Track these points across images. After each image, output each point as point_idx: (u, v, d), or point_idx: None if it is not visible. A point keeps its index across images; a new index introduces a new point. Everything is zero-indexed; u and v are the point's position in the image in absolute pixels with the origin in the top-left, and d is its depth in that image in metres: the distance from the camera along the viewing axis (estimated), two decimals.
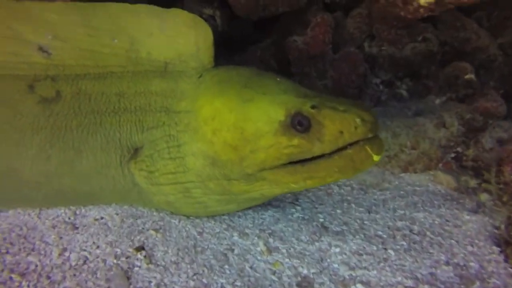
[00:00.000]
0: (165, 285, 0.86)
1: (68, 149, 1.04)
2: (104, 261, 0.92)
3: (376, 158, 0.86)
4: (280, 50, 1.89)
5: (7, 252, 0.97)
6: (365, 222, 1.14)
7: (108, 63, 1.06)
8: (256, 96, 0.92)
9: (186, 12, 1.05)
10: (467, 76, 1.47)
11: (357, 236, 1.06)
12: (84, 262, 0.92)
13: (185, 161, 0.99)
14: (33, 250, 0.98)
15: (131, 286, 0.85)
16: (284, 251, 1.01)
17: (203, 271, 0.91)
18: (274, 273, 0.93)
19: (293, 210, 1.22)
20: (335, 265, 0.96)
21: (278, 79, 0.99)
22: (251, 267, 0.94)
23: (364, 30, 1.86)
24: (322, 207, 1.25)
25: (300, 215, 1.19)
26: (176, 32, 1.03)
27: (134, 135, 1.05)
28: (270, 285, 0.89)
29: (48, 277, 0.87)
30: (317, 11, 1.78)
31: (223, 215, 1.15)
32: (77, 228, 1.08)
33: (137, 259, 0.93)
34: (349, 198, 1.30)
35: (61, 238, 1.03)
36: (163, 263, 0.92)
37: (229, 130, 0.92)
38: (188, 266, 0.92)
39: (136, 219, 1.10)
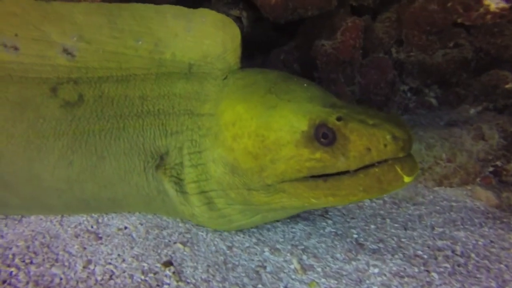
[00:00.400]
0: None
1: (90, 154, 1.00)
2: (131, 276, 0.87)
3: (407, 179, 0.78)
4: (305, 54, 1.83)
5: (31, 263, 0.93)
6: (402, 239, 1.08)
7: (132, 65, 1.02)
8: (279, 103, 0.87)
9: (214, 12, 1.00)
10: (507, 86, 1.39)
11: (396, 256, 0.99)
12: (110, 277, 0.87)
13: (207, 168, 0.94)
14: (56, 261, 0.94)
15: None
16: (319, 270, 0.95)
17: None
18: None
19: (324, 224, 1.16)
20: None
21: (306, 84, 0.93)
22: (285, 287, 0.89)
23: (393, 35, 1.79)
24: (354, 221, 1.19)
25: (332, 230, 1.13)
26: (203, 32, 0.99)
27: (157, 140, 1.00)
28: None
29: None
30: (345, 14, 1.71)
31: (252, 228, 1.09)
32: (100, 238, 1.03)
33: (166, 275, 0.88)
34: (381, 212, 1.24)
35: (84, 248, 0.98)
36: (193, 281, 0.87)
37: (250, 137, 0.87)
38: (220, 285, 0.86)
39: (162, 230, 1.05)
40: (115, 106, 1.01)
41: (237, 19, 1.64)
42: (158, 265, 0.91)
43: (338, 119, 0.80)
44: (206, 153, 0.95)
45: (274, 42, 2.03)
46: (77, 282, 0.86)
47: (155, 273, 0.88)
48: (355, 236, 1.10)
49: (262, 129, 0.85)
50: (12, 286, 0.85)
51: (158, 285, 0.85)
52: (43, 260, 0.94)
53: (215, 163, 0.93)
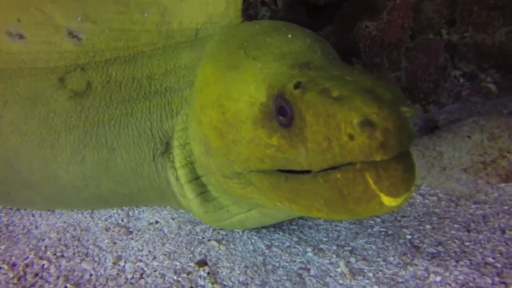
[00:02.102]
0: None
1: (101, 147, 0.93)
2: (163, 276, 0.80)
3: (388, 201, 0.49)
4: (343, 39, 1.69)
5: (62, 256, 0.89)
6: (466, 243, 0.94)
7: (139, 42, 0.94)
8: (243, 62, 0.68)
9: None
10: None
11: (461, 263, 0.86)
12: (141, 276, 0.81)
13: (191, 148, 0.82)
14: (87, 255, 0.89)
15: None
16: (370, 275, 0.83)
17: None
18: None
19: (372, 222, 1.04)
20: None
21: (291, 35, 0.71)
22: None
23: (444, 14, 1.61)
24: (406, 220, 1.05)
25: (382, 229, 1.00)
26: None
27: (164, 122, 0.91)
28: None
29: None
30: None
31: (292, 225, 0.99)
32: (131, 232, 0.97)
33: (200, 276, 0.80)
34: (437, 210, 1.09)
35: (115, 243, 0.93)
36: (230, 284, 0.79)
37: (213, 107, 0.70)
38: None
39: (195, 226, 0.97)
40: (123, 90, 0.94)
41: (273, 2, 1.53)
42: (192, 264, 0.83)
43: (296, 85, 0.56)
44: (189, 129, 0.81)
45: (308, 27, 1.91)
46: (107, 279, 0.81)
47: (188, 273, 0.81)
48: (409, 237, 0.97)
49: (223, 97, 0.68)
50: (44, 280, 0.81)
51: (191, 287, 0.77)
52: (74, 254, 0.89)
53: (194, 140, 0.79)
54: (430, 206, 1.12)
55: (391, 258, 0.88)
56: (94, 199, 1.00)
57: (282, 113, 0.57)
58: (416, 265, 0.86)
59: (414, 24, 1.54)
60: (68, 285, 0.79)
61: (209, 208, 0.84)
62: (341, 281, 0.82)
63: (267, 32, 0.74)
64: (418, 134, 1.55)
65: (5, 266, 0.84)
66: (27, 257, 0.88)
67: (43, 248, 0.91)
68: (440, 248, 0.92)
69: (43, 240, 0.96)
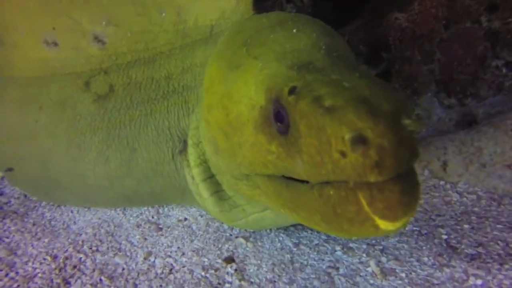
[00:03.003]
0: None
1: (123, 148, 0.95)
2: (191, 272, 0.82)
3: (384, 224, 0.45)
4: (371, 33, 1.64)
5: (97, 250, 0.93)
6: (511, 245, 0.87)
7: (158, 43, 0.96)
8: (245, 61, 0.64)
9: None
10: None
11: (506, 266, 0.80)
12: (170, 271, 0.83)
13: (203, 147, 0.81)
14: (119, 250, 0.92)
15: None
16: (403, 275, 0.80)
17: None
18: None
19: None
20: None
21: (296, 30, 0.66)
22: None
23: (483, 0, 1.51)
24: (441, 219, 1.00)
25: (415, 228, 0.96)
26: None
27: (181, 121, 0.91)
28: None
29: (135, 285, 0.80)
30: None
31: (279, 228, 0.95)
32: (161, 229, 1.00)
33: (228, 273, 0.81)
34: (476, 210, 1.03)
35: (145, 239, 0.96)
36: (257, 281, 0.78)
37: (218, 108, 0.68)
38: (288, 287, 0.76)
39: (222, 223, 0.98)
40: (142, 91, 0.96)
41: None
42: (219, 260, 0.84)
43: (291, 91, 0.52)
44: (200, 128, 0.80)
45: (335, 23, 1.86)
46: (138, 274, 0.83)
47: (216, 270, 0.82)
48: (445, 237, 0.92)
49: (225, 99, 0.65)
50: (81, 272, 0.85)
51: (219, 283, 0.78)
52: (108, 248, 0.93)
53: (204, 140, 0.78)
54: (468, 205, 1.06)
55: (425, 259, 0.84)
56: (119, 198, 1.04)
57: (279, 119, 0.54)
58: (454, 266, 0.81)
59: (449, 13, 1.46)
60: (102, 277, 0.82)
61: (224, 207, 0.82)
62: (371, 281, 0.79)
63: (272, 27, 0.70)
64: (453, 129, 1.47)
65: (49, 258, 0.90)
66: (67, 250, 0.92)
67: (80, 242, 0.96)
68: (480, 249, 0.87)
69: (81, 235, 1.00)
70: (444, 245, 0.89)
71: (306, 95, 0.50)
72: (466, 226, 0.96)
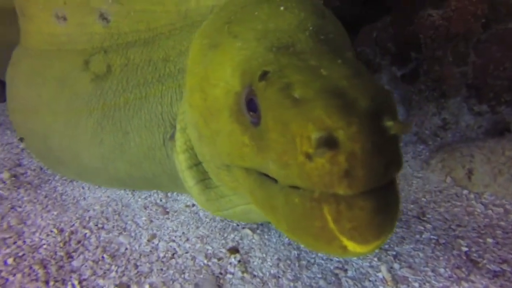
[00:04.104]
0: None
1: (117, 131, 0.92)
2: (194, 258, 0.80)
3: (352, 246, 0.39)
4: (402, 31, 1.56)
5: (103, 228, 0.92)
6: None
7: (159, 23, 0.91)
8: (224, 40, 0.58)
9: None
10: None
11: None
12: (172, 256, 0.81)
13: (189, 132, 0.74)
14: (124, 230, 0.92)
15: None
16: (416, 285, 0.75)
17: None
18: None
19: (421, 227, 0.94)
20: None
21: (283, 7, 0.59)
22: None
23: None
24: (462, 230, 0.94)
25: (433, 237, 0.90)
26: None
27: (174, 105, 0.85)
28: None
29: (136, 266, 0.78)
30: None
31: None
32: (167, 212, 0.98)
33: (231, 263, 0.78)
34: (502, 224, 0.96)
35: (151, 221, 0.95)
36: (260, 275, 0.75)
37: (197, 90, 0.61)
38: (291, 285, 0.73)
39: None
40: (139, 73, 0.91)
41: None
42: (223, 250, 0.82)
43: (262, 75, 0.46)
44: (186, 112, 0.73)
45: (364, 19, 1.79)
46: (140, 255, 0.82)
47: (219, 259, 0.79)
48: (465, 249, 0.86)
49: (204, 81, 0.59)
50: (85, 248, 0.84)
51: (221, 273, 0.75)
52: (113, 227, 0.92)
53: (189, 124, 0.72)
54: (493, 218, 0.99)
55: (441, 270, 0.79)
56: (113, 180, 1.02)
57: (251, 107, 0.47)
58: (473, 281, 0.76)
59: (490, 12, 1.37)
60: (105, 255, 0.81)
61: (210, 195, 0.75)
62: (381, 287, 0.75)
63: (259, 3, 0.62)
64: (482, 137, 1.38)
65: (55, 230, 0.90)
66: (73, 225, 0.92)
67: (87, 219, 0.96)
68: (505, 266, 0.80)
69: (88, 211, 1.00)
70: (464, 257, 0.83)
71: (275, 81, 0.43)
72: (489, 240, 0.89)
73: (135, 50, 0.93)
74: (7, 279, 0.72)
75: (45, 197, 1.07)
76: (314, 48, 0.50)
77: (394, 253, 0.84)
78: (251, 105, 0.47)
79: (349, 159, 0.36)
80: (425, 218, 0.99)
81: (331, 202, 0.38)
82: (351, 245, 0.39)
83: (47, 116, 1.01)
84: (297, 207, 0.41)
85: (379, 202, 0.38)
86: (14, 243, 0.84)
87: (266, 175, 0.48)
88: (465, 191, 1.12)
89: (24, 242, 0.85)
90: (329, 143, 0.36)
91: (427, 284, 0.75)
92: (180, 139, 0.76)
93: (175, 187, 0.97)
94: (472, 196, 1.09)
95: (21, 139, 1.32)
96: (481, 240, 0.89)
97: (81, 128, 0.96)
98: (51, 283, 0.72)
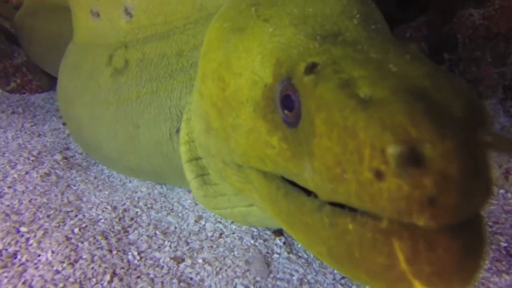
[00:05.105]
0: (309, 283, 0.73)
1: (128, 124, 0.93)
2: (241, 238, 0.84)
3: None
4: (436, 30, 1.56)
5: (152, 208, 0.98)
6: None
7: (175, 16, 0.90)
8: (252, 23, 0.51)
9: None
10: None
11: None
12: (220, 236, 0.86)
13: (193, 124, 0.69)
14: (172, 210, 0.97)
15: (272, 275, 0.74)
16: None
17: None
18: None
19: None
20: None
21: None
22: None
23: None
24: (499, 227, 0.95)
25: None
26: None
27: (183, 99, 0.82)
28: None
29: (187, 243, 0.84)
30: None
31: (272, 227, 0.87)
32: None
33: (276, 244, 0.82)
34: None
35: (196, 204, 1.00)
36: (305, 256, 0.79)
37: (213, 78, 0.55)
38: None
39: None
40: (152, 68, 0.91)
41: None
42: (268, 232, 0.86)
43: (309, 68, 0.38)
44: (193, 101, 0.69)
45: (398, 18, 1.79)
46: (190, 233, 0.87)
47: (265, 240, 0.84)
48: (504, 244, 0.88)
49: (223, 68, 0.53)
50: (138, 224, 0.90)
51: (268, 253, 0.80)
52: (161, 207, 0.98)
53: (195, 115, 0.66)
54: None
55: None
56: (127, 171, 1.07)
57: (287, 104, 0.41)
58: None
59: None
60: (157, 232, 0.87)
61: (209, 192, 0.71)
62: None
63: None
64: None
65: (109, 207, 0.96)
66: (125, 204, 0.99)
67: (136, 199, 1.02)
68: None
69: (136, 192, 1.07)
70: (504, 252, 0.84)
71: (330, 76, 0.36)
72: None
73: (151, 45, 0.94)
74: (77, 245, 0.79)
75: (95, 178, 1.15)
76: (369, 37, 0.43)
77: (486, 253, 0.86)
78: (288, 102, 0.40)
79: (438, 182, 0.29)
80: None
81: (406, 237, 0.30)
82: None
83: (78, 107, 1.08)
84: (349, 234, 0.34)
85: (468, 241, 0.31)
86: (76, 216, 0.91)
87: (292, 183, 0.42)
88: (501, 191, 1.12)
89: (84, 216, 0.92)
90: (413, 160, 0.29)
91: None
92: (184, 130, 0.72)
93: (182, 182, 0.90)
94: (509, 195, 1.10)
95: (64, 124, 1.44)
96: None
97: (101, 120, 1.01)
98: (114, 252, 0.78)
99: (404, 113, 0.30)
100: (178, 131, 0.80)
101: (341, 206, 0.36)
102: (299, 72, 0.39)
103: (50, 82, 1.91)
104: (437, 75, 0.34)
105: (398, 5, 1.85)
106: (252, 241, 0.83)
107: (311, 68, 0.38)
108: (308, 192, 0.40)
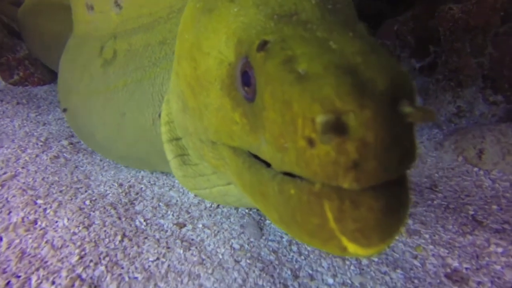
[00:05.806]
0: (297, 243, 0.83)
1: (115, 113, 0.96)
2: (237, 209, 0.94)
3: (353, 248, 0.35)
4: (422, 25, 1.66)
5: (155, 184, 1.07)
6: None
7: (159, 6, 0.92)
8: (219, 4, 0.52)
9: None
10: None
11: None
12: (218, 206, 0.95)
13: (171, 104, 0.70)
14: (173, 186, 1.06)
15: (264, 237, 0.84)
16: (427, 236, 0.88)
17: None
18: (415, 257, 0.81)
19: (433, 196, 1.06)
20: (498, 267, 0.78)
21: None
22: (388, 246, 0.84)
23: None
24: (470, 199, 1.05)
25: (443, 203, 1.02)
26: None
27: (165, 85, 0.83)
28: (411, 269, 0.78)
29: (188, 212, 0.93)
30: None
31: (245, 208, 0.93)
32: None
33: None
34: (507, 195, 1.07)
35: None
36: None
37: (186, 58, 0.57)
38: None
39: None
40: (137, 58, 0.93)
41: None
42: None
43: (260, 46, 0.41)
44: (171, 82, 0.69)
45: (386, 13, 1.89)
46: (190, 205, 0.97)
47: (258, 210, 0.93)
48: (472, 212, 0.98)
49: (195, 48, 0.55)
50: (143, 198, 0.99)
51: (261, 219, 0.89)
52: (163, 184, 1.07)
53: (173, 95, 0.67)
54: (500, 190, 1.10)
55: (450, 226, 0.91)
56: (118, 158, 1.11)
57: (245, 81, 0.43)
58: (477, 235, 0.88)
59: (510, 6, 1.45)
60: (161, 203, 0.96)
61: (188, 172, 0.72)
62: (397, 237, 0.87)
63: None
64: (495, 122, 1.47)
65: (116, 184, 1.05)
66: (130, 181, 1.08)
67: (140, 177, 1.11)
68: (506, 226, 0.92)
69: (140, 172, 1.15)
70: (470, 218, 0.95)
71: (277, 53, 0.38)
72: (494, 207, 1.01)
73: (137, 36, 0.97)
74: (89, 214, 0.88)
75: (101, 160, 1.23)
76: (321, 18, 0.45)
77: (409, 213, 0.96)
78: (246, 79, 0.43)
79: (359, 148, 0.32)
80: (437, 189, 1.10)
81: (334, 198, 0.34)
82: (352, 247, 0.35)
83: (74, 96, 1.13)
84: (292, 199, 0.37)
85: (389, 201, 0.34)
86: (86, 191, 1.00)
87: (257, 157, 0.44)
88: (475, 169, 1.22)
89: (93, 191, 1.01)
90: (337, 128, 0.32)
91: (437, 236, 0.88)
92: (164, 111, 0.73)
93: (168, 167, 0.85)
94: (481, 172, 1.20)
95: (64, 110, 1.52)
96: (486, 207, 1.01)
97: (93, 109, 1.04)
98: (123, 219, 0.87)
99: (331, 86, 0.33)
100: (160, 115, 0.79)
101: (294, 176, 0.38)
102: (253, 50, 0.41)
103: (51, 75, 1.99)
104: (370, 53, 0.37)
105: (388, 1, 1.95)
106: (247, 210, 0.93)
107: (263, 46, 0.40)
108: (268, 165, 0.42)
